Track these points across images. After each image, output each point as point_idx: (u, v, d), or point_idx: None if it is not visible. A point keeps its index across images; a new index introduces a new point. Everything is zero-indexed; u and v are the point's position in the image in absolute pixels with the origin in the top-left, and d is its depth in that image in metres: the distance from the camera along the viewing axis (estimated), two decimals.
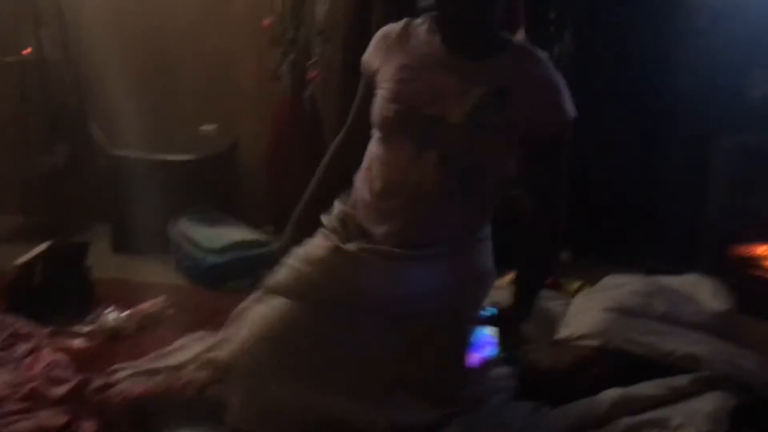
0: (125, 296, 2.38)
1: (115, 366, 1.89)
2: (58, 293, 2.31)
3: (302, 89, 2.96)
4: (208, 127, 3.20)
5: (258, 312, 1.55)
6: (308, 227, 1.61)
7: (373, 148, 1.54)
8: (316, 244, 1.56)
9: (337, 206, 1.62)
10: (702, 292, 2.11)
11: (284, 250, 1.60)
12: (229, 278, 2.57)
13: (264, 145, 3.09)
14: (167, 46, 3.22)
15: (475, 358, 1.51)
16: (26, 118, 3.16)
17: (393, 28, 1.54)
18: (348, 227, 1.57)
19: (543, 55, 1.49)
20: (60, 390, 1.77)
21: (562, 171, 1.54)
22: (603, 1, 2.71)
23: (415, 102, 1.45)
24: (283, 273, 1.56)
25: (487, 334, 1.54)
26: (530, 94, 1.44)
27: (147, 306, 2.31)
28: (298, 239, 1.61)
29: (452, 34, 1.46)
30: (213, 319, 2.02)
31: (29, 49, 3.07)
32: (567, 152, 1.52)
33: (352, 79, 2.85)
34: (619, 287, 2.09)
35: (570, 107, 1.48)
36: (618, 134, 2.75)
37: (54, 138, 3.15)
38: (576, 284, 2.38)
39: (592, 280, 2.29)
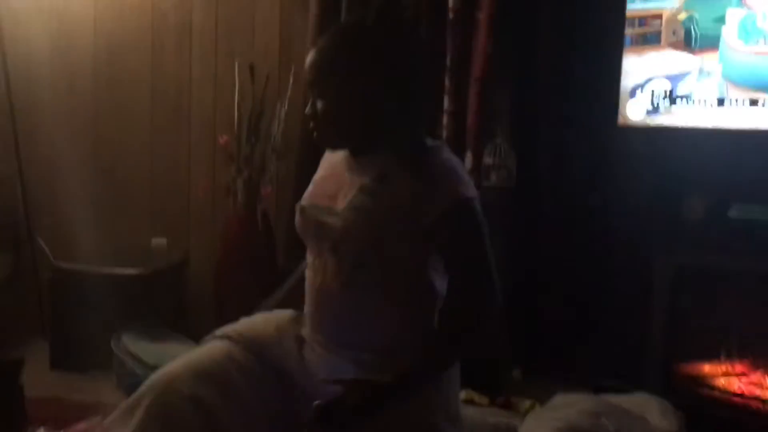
0: (60, 416, 2.27)
1: None
2: None
3: (255, 205, 2.99)
4: (158, 241, 3.18)
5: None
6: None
7: None
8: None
9: None
10: (651, 411, 2.11)
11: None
12: None
13: (214, 261, 3.07)
14: (121, 158, 3.25)
15: None
16: None
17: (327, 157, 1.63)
18: None
19: (433, 143, 1.50)
20: None
21: (466, 263, 1.42)
22: (545, 129, 2.86)
23: (315, 199, 1.53)
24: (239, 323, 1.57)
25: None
26: (407, 178, 1.42)
27: (82, 427, 2.19)
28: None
29: None
30: None
31: None
32: (468, 239, 1.41)
33: None
34: (569, 407, 2.08)
35: (460, 189, 1.40)
36: (563, 257, 2.83)
37: None
38: (527, 403, 2.37)
39: (542, 398, 2.28)
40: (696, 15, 2.53)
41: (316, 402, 1.33)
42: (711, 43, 2.50)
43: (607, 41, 2.70)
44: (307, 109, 1.47)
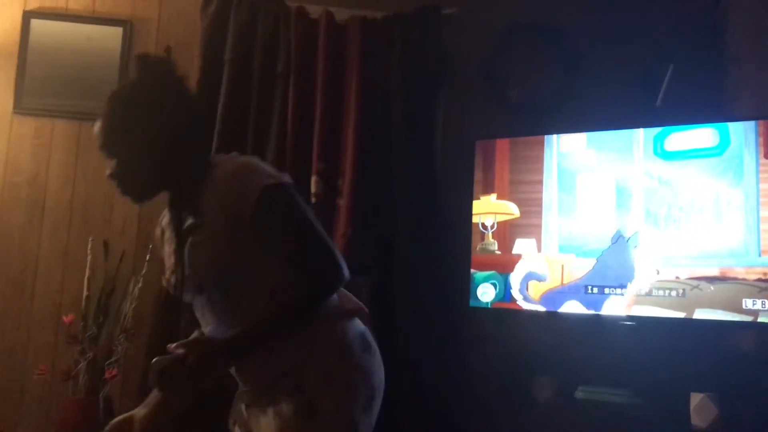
0: None
1: None
2: None
3: (98, 389, 2.77)
4: None
5: None
6: None
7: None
8: None
9: None
10: None
11: None
12: None
13: None
14: None
15: None
16: None
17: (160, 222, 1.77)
18: None
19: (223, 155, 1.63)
20: None
21: (294, 240, 1.53)
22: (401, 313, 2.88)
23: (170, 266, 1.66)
24: None
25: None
26: (216, 191, 1.53)
27: None
28: None
29: None
30: None
31: None
32: (287, 218, 1.52)
33: None
34: None
35: (263, 180, 1.51)
36: None
37: None
38: None
39: None
40: None
41: (155, 359, 1.42)
42: None
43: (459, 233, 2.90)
44: (107, 172, 1.58)
